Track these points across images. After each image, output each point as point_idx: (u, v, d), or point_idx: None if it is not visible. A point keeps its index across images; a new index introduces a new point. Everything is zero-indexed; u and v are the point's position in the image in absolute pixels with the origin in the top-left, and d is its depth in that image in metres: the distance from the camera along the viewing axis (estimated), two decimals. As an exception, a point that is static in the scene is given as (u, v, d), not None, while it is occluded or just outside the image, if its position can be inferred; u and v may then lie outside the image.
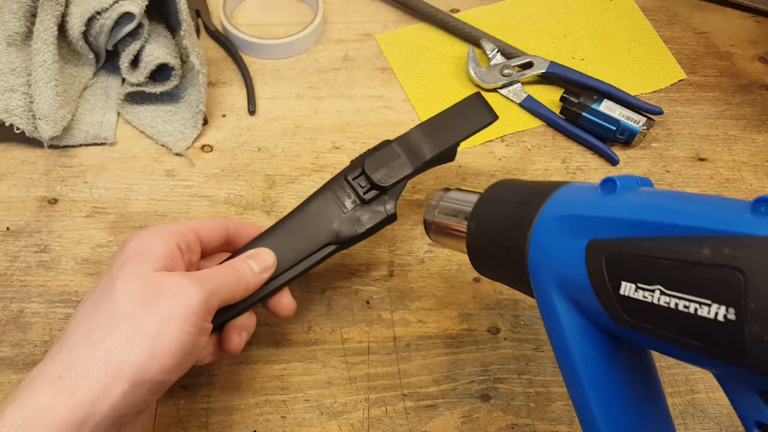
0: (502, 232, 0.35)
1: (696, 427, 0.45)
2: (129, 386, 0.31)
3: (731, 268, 0.22)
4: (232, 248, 0.42)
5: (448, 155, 0.48)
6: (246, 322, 0.40)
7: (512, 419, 0.45)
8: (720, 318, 0.22)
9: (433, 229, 0.43)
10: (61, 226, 0.51)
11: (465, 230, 0.39)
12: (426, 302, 0.49)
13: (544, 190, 0.34)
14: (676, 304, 0.24)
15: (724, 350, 0.23)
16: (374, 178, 0.44)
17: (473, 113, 0.48)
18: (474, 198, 0.39)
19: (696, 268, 0.23)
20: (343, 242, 0.43)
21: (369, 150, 0.46)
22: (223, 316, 0.39)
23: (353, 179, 0.44)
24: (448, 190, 0.43)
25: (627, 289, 0.26)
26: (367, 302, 0.49)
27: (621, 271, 0.26)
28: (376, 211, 0.44)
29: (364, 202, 0.44)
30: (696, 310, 0.23)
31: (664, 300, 0.24)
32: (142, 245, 0.36)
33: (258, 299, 0.41)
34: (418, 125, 0.47)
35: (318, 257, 0.42)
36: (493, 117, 0.48)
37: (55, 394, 0.30)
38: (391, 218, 0.44)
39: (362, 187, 0.44)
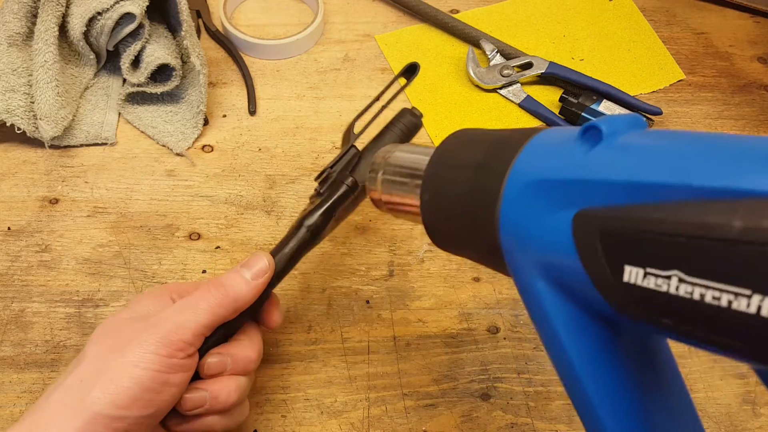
0: (462, 206, 0.28)
1: (695, 426, 0.45)
2: (81, 423, 0.31)
3: None
4: None
5: (404, 123, 0.46)
6: (228, 348, 0.38)
7: (512, 418, 0.45)
8: (765, 312, 0.16)
9: (380, 203, 0.35)
10: (62, 225, 0.51)
11: (417, 204, 0.31)
12: (426, 302, 0.49)
13: (509, 145, 0.26)
14: (702, 295, 0.18)
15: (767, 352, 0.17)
16: (319, 175, 0.43)
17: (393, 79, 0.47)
18: (425, 159, 0.31)
19: (726, 247, 0.17)
20: (310, 227, 0.41)
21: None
22: (218, 334, 0.37)
23: (313, 195, 0.44)
24: (395, 146, 0.35)
25: (633, 275, 0.20)
26: (367, 302, 0.49)
27: (623, 253, 0.20)
28: (334, 188, 0.42)
29: (321, 195, 0.42)
30: (730, 302, 0.17)
31: (684, 289, 0.18)
32: (132, 300, 0.38)
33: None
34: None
35: (290, 250, 0.40)
36: (411, 63, 0.46)
37: None
38: (350, 186, 0.42)
39: (317, 190, 0.43)
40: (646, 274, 0.19)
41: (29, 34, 0.55)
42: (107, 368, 0.33)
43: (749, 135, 0.20)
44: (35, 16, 0.54)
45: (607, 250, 0.21)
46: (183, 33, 0.54)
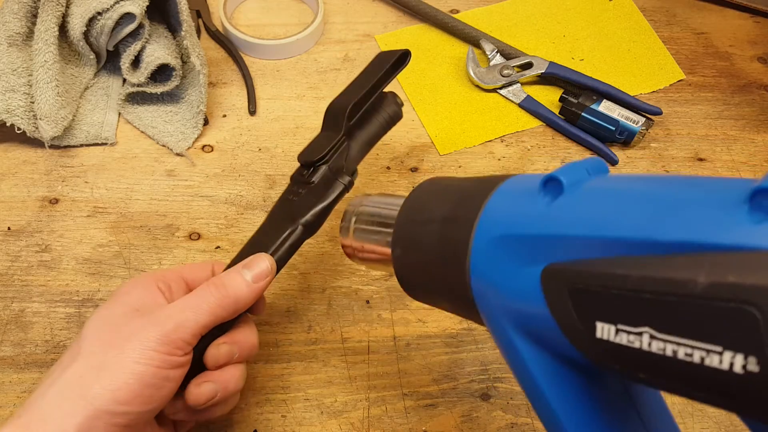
0: (433, 260, 0.28)
1: (695, 426, 0.45)
2: (83, 418, 0.31)
3: (741, 302, 0.16)
4: None
5: (388, 113, 0.47)
6: (234, 336, 0.38)
7: (512, 418, 0.45)
8: (737, 369, 0.16)
9: (353, 253, 0.34)
10: (62, 225, 0.51)
11: (389, 254, 0.31)
12: (426, 302, 0.49)
13: (473, 198, 0.26)
14: (675, 352, 0.17)
15: (746, 407, 0.17)
16: (306, 159, 0.43)
17: (381, 61, 0.46)
18: (396, 210, 0.31)
19: (693, 304, 0.17)
20: (305, 223, 0.41)
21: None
22: (210, 337, 0.37)
23: (295, 174, 0.44)
24: (367, 196, 0.35)
25: (605, 331, 0.19)
26: (367, 302, 0.49)
27: (593, 309, 0.20)
28: (328, 185, 0.42)
29: (311, 184, 0.42)
30: (702, 359, 0.17)
31: (657, 346, 0.18)
32: (119, 290, 0.37)
33: None
34: (330, 102, 0.46)
35: (283, 245, 0.40)
36: (402, 51, 0.46)
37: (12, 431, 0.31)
38: (346, 186, 0.43)
39: (304, 175, 0.43)
40: (618, 331, 0.19)
41: (29, 34, 0.55)
42: (107, 364, 0.33)
43: (715, 177, 0.20)
44: (35, 16, 0.54)
45: (578, 306, 0.20)
46: (183, 33, 0.54)
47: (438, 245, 0.27)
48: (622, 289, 0.19)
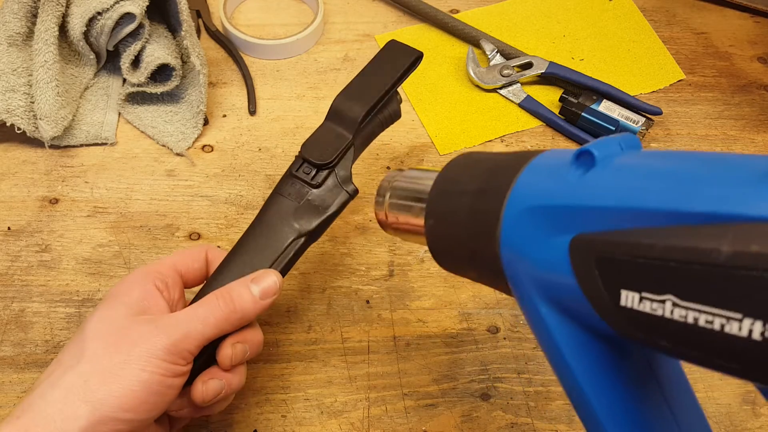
0: (464, 231, 0.29)
1: (695, 426, 0.45)
2: (86, 423, 0.31)
3: (764, 271, 0.16)
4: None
5: (389, 112, 0.46)
6: (244, 334, 0.38)
7: (512, 418, 0.45)
8: (756, 336, 0.17)
9: (387, 225, 0.36)
10: (62, 225, 0.51)
11: (422, 225, 0.32)
12: (426, 302, 0.49)
13: (505, 171, 0.27)
14: (696, 319, 0.18)
15: (763, 374, 0.18)
16: (315, 159, 0.42)
17: (394, 57, 0.46)
18: (429, 184, 0.32)
19: (716, 272, 0.18)
20: (309, 233, 0.41)
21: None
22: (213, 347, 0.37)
23: (297, 170, 0.42)
24: (401, 171, 0.36)
25: (629, 299, 0.20)
26: (367, 302, 0.49)
27: (619, 278, 0.21)
28: (333, 191, 0.42)
29: (316, 187, 0.42)
30: (723, 326, 0.18)
31: (679, 313, 0.19)
32: (119, 289, 0.37)
33: None
34: (341, 92, 0.45)
35: (287, 256, 0.40)
36: (417, 52, 0.46)
37: None
38: (351, 195, 0.42)
39: (308, 174, 0.42)
40: (642, 299, 0.20)
41: (29, 34, 0.55)
42: (113, 370, 0.32)
43: (741, 154, 0.21)
44: (35, 16, 0.54)
45: (604, 275, 0.21)
46: (183, 33, 0.54)
47: (470, 216, 0.28)
48: (647, 257, 0.20)
